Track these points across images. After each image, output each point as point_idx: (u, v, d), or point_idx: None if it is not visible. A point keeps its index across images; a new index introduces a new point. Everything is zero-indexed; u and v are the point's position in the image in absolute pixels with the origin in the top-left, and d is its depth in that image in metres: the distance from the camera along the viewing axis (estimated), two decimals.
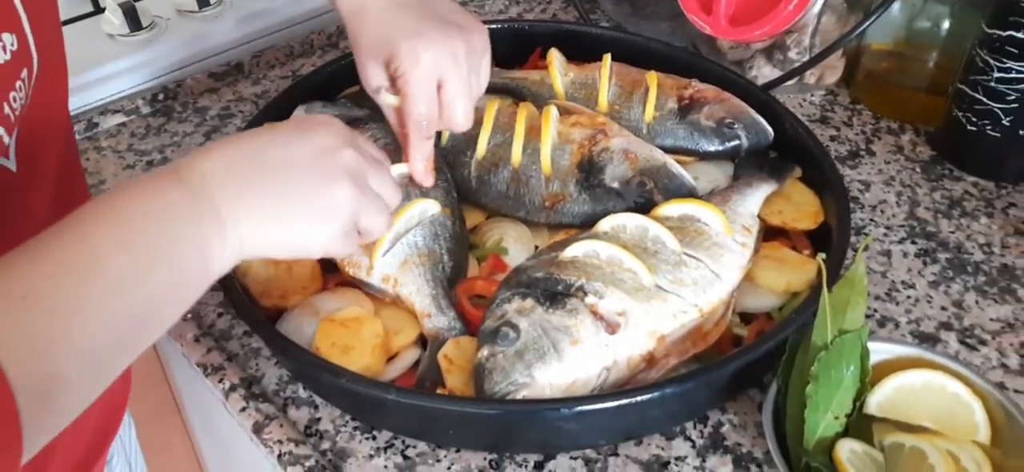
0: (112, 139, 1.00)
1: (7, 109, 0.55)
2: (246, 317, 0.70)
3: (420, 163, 0.75)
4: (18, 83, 0.57)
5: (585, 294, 0.68)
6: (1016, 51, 0.85)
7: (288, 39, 1.15)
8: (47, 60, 0.61)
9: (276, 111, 0.89)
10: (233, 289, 0.72)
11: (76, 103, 1.02)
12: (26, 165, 0.63)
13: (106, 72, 1.05)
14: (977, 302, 0.78)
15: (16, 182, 0.62)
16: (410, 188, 0.77)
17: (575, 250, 0.72)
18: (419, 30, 0.70)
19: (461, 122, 0.73)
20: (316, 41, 1.16)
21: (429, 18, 0.71)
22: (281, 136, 0.58)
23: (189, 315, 0.78)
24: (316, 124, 0.60)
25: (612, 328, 0.67)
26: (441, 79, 0.71)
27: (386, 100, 0.74)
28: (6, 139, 0.57)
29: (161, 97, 1.05)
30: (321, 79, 0.95)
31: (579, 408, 0.63)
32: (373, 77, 0.74)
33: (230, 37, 1.12)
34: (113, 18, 1.08)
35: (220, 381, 0.72)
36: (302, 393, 0.71)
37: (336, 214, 0.58)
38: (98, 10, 1.14)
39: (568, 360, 0.65)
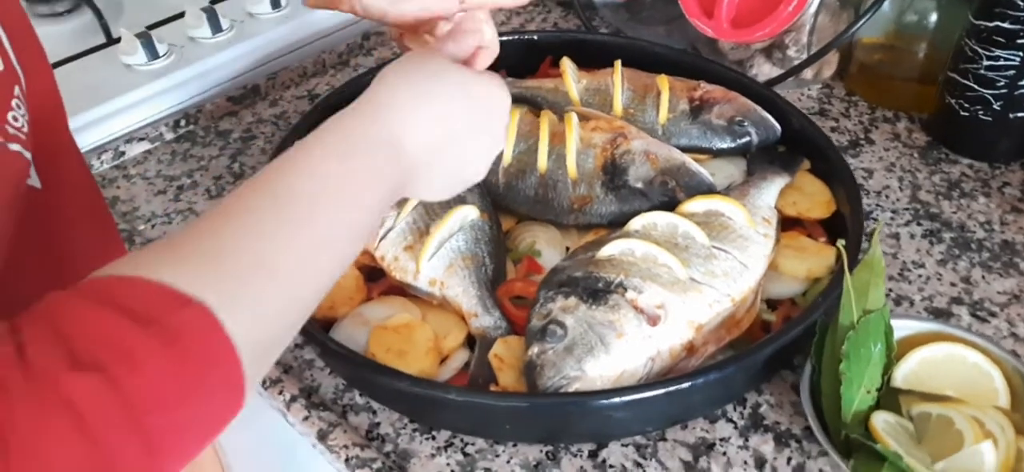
0: (140, 166, 1.03)
1: (11, 129, 0.56)
2: (303, 330, 0.73)
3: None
4: (14, 101, 0.58)
5: (625, 290, 0.73)
6: (1003, 40, 0.90)
7: (300, 59, 1.18)
8: (36, 81, 0.63)
9: (300, 133, 0.92)
10: None
11: (101, 133, 1.04)
12: (51, 183, 0.65)
13: (127, 101, 1.07)
14: (983, 277, 0.84)
15: (45, 200, 0.64)
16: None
17: (611, 249, 0.76)
18: None
19: None
20: (327, 60, 1.19)
21: None
22: (462, 103, 0.60)
23: None
24: (494, 94, 0.63)
25: (653, 320, 0.71)
26: None
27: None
28: (26, 154, 0.58)
29: (183, 123, 1.08)
30: (340, 99, 0.99)
31: (629, 397, 0.67)
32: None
33: (245, 61, 1.15)
34: (129, 48, 1.11)
35: (280, 393, 0.75)
36: (359, 399, 0.75)
37: (495, 137, 0.64)
38: (111, 41, 1.17)
39: (615, 353, 0.69)
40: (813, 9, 1.01)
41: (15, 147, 0.56)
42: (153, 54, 1.11)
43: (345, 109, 0.56)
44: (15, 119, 0.58)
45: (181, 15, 1.19)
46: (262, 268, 0.45)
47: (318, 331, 0.73)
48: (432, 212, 0.81)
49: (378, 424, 0.73)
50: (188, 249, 0.45)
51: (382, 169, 0.54)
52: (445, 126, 0.59)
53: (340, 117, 0.55)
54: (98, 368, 0.37)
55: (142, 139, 1.05)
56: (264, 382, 0.76)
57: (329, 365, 0.77)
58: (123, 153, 1.04)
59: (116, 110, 1.06)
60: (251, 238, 0.46)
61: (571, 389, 0.68)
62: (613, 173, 0.85)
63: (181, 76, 1.11)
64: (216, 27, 1.15)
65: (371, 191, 0.53)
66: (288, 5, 1.21)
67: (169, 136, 1.07)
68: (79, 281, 0.42)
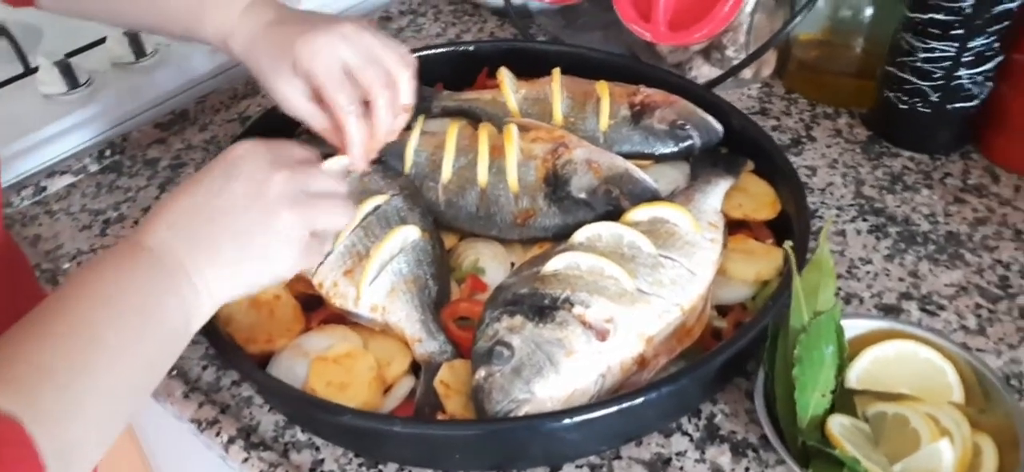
0: (63, 201, 0.98)
1: None
2: (238, 367, 0.70)
3: (357, 149, 0.77)
4: None
5: (572, 305, 0.70)
6: (938, 32, 0.90)
7: (230, 81, 1.14)
8: None
9: None
10: (219, 339, 0.72)
11: (20, 168, 1.00)
12: None
13: (47, 133, 1.02)
14: (930, 270, 0.83)
15: None
16: (390, 215, 0.79)
17: (556, 263, 0.74)
18: (305, 31, 0.74)
19: (383, 95, 0.75)
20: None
21: (311, 20, 0.77)
22: (214, 181, 0.61)
23: (174, 371, 0.77)
24: (238, 158, 0.63)
25: (602, 335, 0.69)
26: (344, 62, 0.74)
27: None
28: None
29: (108, 153, 1.04)
30: (271, 121, 0.95)
31: (581, 417, 0.64)
32: (285, 93, 0.77)
33: (171, 85, 1.11)
34: (48, 77, 1.06)
35: (217, 435, 0.71)
36: (301, 436, 0.72)
37: (287, 240, 0.62)
38: (29, 71, 1.12)
39: (565, 371, 0.67)
40: (749, 8, 1.00)
41: None
42: (73, 83, 1.06)
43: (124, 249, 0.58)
44: None
45: (102, 41, 1.14)
46: (73, 394, 0.49)
47: (254, 368, 0.70)
48: (371, 234, 0.78)
49: (322, 461, 0.70)
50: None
51: (168, 304, 0.57)
52: (188, 202, 0.60)
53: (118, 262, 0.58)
54: None
55: (65, 172, 1.01)
56: (200, 423, 0.72)
57: (268, 402, 0.74)
58: (44, 188, 0.99)
59: (36, 143, 1.01)
60: (60, 371, 0.50)
61: (521, 412, 0.65)
62: (555, 184, 0.83)
63: (104, 104, 1.06)
64: (140, 52, 1.11)
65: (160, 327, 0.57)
66: None
67: (94, 168, 1.02)
68: None
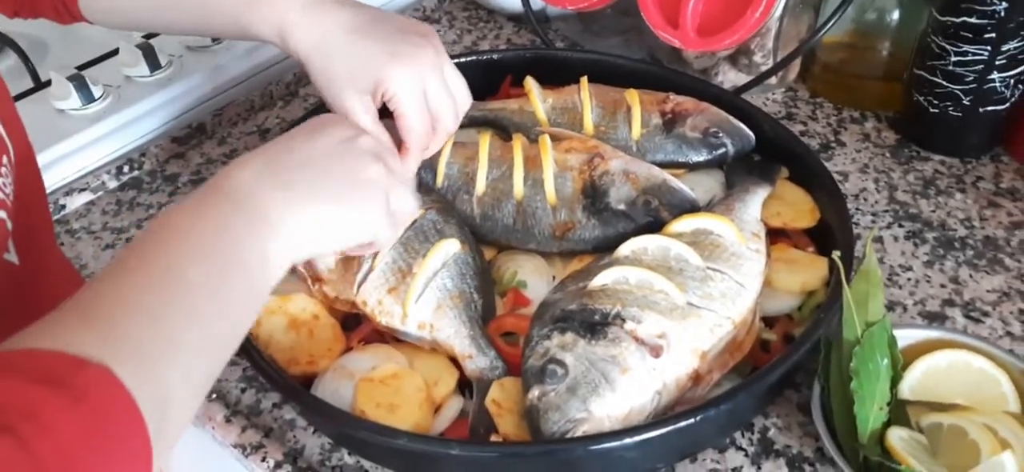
0: (83, 219, 0.96)
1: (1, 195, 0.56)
2: (286, 391, 0.69)
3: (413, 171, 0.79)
4: (3, 168, 0.57)
5: (623, 321, 0.69)
6: (971, 35, 0.90)
7: (247, 93, 1.12)
8: (20, 150, 0.62)
9: None
10: (260, 361, 0.70)
11: None
12: (29, 260, 0.62)
13: (63, 150, 1.00)
14: (971, 276, 0.83)
15: (20, 275, 0.61)
16: (427, 229, 0.78)
17: (604, 278, 0.73)
18: (394, 51, 0.72)
19: (451, 124, 0.77)
20: (275, 92, 1.14)
21: (393, 36, 0.74)
22: (302, 136, 0.62)
23: (214, 394, 0.75)
24: (329, 121, 0.65)
25: (656, 351, 0.68)
26: (425, 91, 0.74)
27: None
28: (8, 223, 0.57)
29: (127, 169, 1.01)
30: None
31: (641, 436, 0.64)
32: (354, 107, 0.73)
33: (187, 99, 1.08)
34: (61, 91, 1.04)
35: (263, 459, 0.70)
36: (349, 459, 0.70)
37: (372, 191, 0.62)
38: (40, 85, 1.09)
39: (621, 390, 0.66)
40: (779, 13, 0.99)
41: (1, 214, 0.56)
42: (88, 97, 1.04)
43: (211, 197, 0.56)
44: (4, 185, 0.57)
45: (115, 53, 1.12)
46: (159, 333, 0.47)
47: (300, 388, 0.68)
48: (411, 249, 0.77)
49: None
50: (81, 316, 0.46)
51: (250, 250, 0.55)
52: (273, 152, 0.60)
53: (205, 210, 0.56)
54: (9, 431, 0.37)
55: (83, 189, 0.98)
56: (245, 448, 0.71)
57: (313, 424, 0.73)
58: (63, 206, 0.97)
59: (52, 160, 0.99)
60: (143, 309, 0.48)
61: (578, 432, 0.64)
62: (593, 196, 0.82)
63: (120, 119, 1.04)
64: (154, 64, 1.09)
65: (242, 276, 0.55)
66: None
67: (112, 184, 1.00)
68: None
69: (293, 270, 0.79)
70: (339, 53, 0.73)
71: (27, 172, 0.66)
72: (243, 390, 0.76)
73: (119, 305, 0.47)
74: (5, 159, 0.58)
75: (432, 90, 0.74)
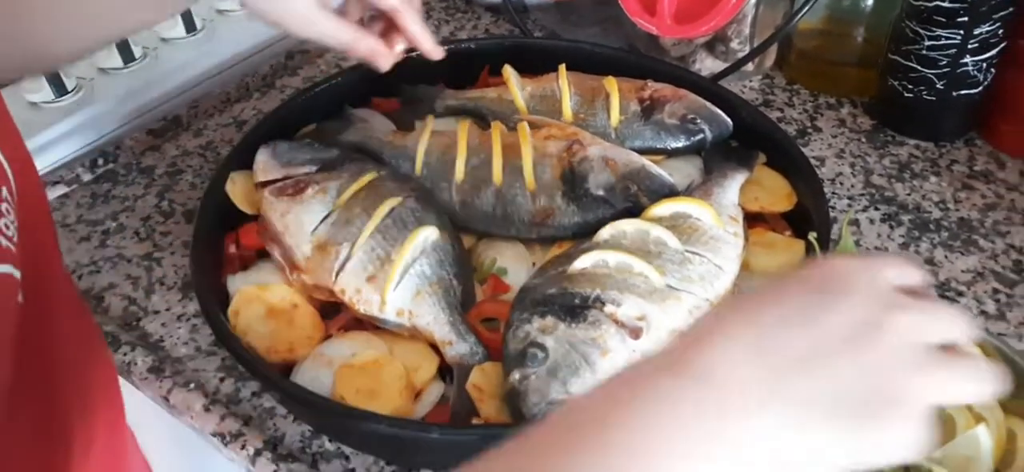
0: (58, 213, 0.95)
1: (3, 240, 0.51)
2: (265, 378, 0.68)
3: (427, 38, 0.85)
4: (4, 206, 0.52)
5: (603, 304, 0.70)
6: (944, 19, 0.91)
7: (222, 85, 1.11)
8: (23, 180, 0.57)
9: (231, 164, 0.87)
10: (239, 349, 0.70)
11: None
12: (35, 295, 0.57)
13: (37, 143, 0.99)
14: (946, 257, 0.84)
15: (27, 313, 0.55)
16: (405, 217, 0.78)
17: (583, 262, 0.73)
18: None
19: None
20: (251, 83, 1.13)
21: None
22: (796, 306, 0.42)
23: (192, 385, 0.75)
24: (833, 279, 0.43)
25: (636, 334, 0.69)
26: None
27: None
28: (16, 274, 0.52)
29: (101, 162, 1.00)
30: (271, 126, 0.93)
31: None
32: (309, 12, 0.76)
33: (162, 90, 1.08)
34: (34, 85, 1.02)
35: (243, 448, 0.69)
36: (329, 445, 0.70)
37: (908, 417, 0.40)
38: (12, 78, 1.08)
39: (601, 371, 0.66)
40: (755, 0, 1.00)
41: (5, 268, 0.50)
42: (61, 90, 1.03)
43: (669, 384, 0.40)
44: (6, 227, 0.51)
45: None
46: None
47: (283, 378, 0.68)
48: (389, 237, 0.77)
49: (353, 470, 0.68)
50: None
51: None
52: (755, 333, 0.41)
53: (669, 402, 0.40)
54: None
55: (57, 182, 0.97)
56: (224, 437, 0.70)
57: (293, 412, 0.72)
58: None
59: None
60: None
61: None
62: (572, 182, 0.82)
63: (94, 111, 1.03)
64: (128, 56, 1.08)
65: None
66: (204, 28, 1.14)
67: (87, 177, 0.99)
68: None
69: (270, 257, 0.80)
70: None
71: (32, 202, 0.59)
72: (222, 379, 0.76)
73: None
74: (5, 191, 0.52)
75: None
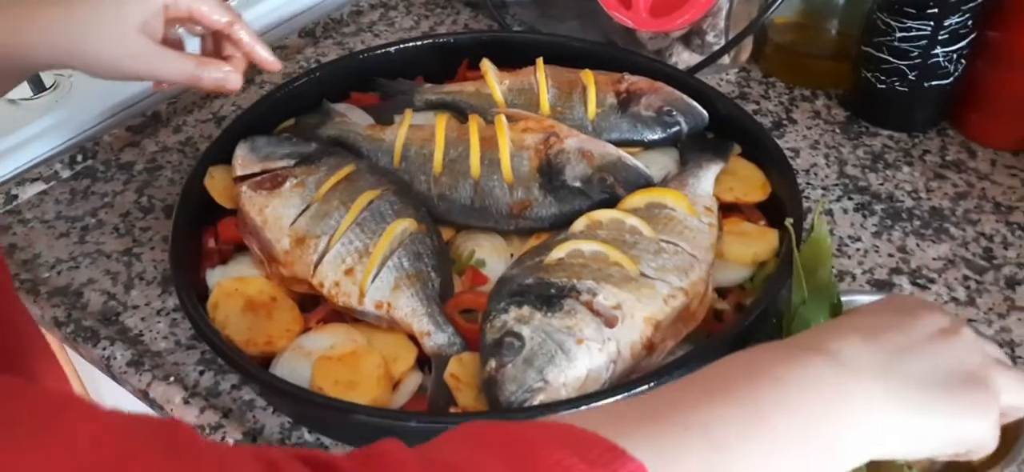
0: (36, 209, 0.95)
1: None
2: (245, 370, 0.69)
3: (264, 50, 0.80)
4: None
5: (579, 293, 0.70)
6: (914, 11, 0.92)
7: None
8: None
9: (210, 159, 0.87)
10: (218, 342, 0.70)
11: None
12: None
13: (14, 140, 0.99)
14: (918, 245, 0.85)
15: None
16: (384, 210, 0.78)
17: (559, 252, 0.74)
18: None
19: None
20: None
21: None
22: (887, 318, 0.53)
23: (172, 378, 0.75)
24: (915, 305, 0.55)
25: (611, 322, 0.69)
26: None
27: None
28: None
29: (80, 158, 1.00)
30: (250, 121, 0.93)
31: (596, 404, 0.65)
32: (141, 51, 0.71)
33: (141, 86, 1.07)
34: None
35: (222, 440, 0.70)
36: (309, 436, 0.70)
37: (985, 399, 0.51)
38: None
39: (577, 358, 0.67)
40: None
41: None
42: (39, 86, 1.03)
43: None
44: None
45: None
46: (715, 461, 0.44)
47: (262, 370, 0.68)
48: (367, 230, 0.77)
49: None
50: (642, 413, 0.45)
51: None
52: (868, 326, 0.52)
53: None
54: None
55: (36, 179, 0.97)
56: (204, 429, 0.71)
57: (272, 404, 0.73)
58: (16, 196, 0.96)
59: (3, 150, 0.98)
60: (707, 434, 0.44)
61: (535, 401, 0.65)
62: (549, 174, 0.83)
63: (72, 108, 1.03)
64: None
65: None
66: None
67: (66, 174, 0.99)
68: None
69: (249, 251, 0.80)
70: (61, 11, 0.69)
71: None
72: (201, 373, 0.76)
73: (680, 417, 0.44)
74: None
75: None
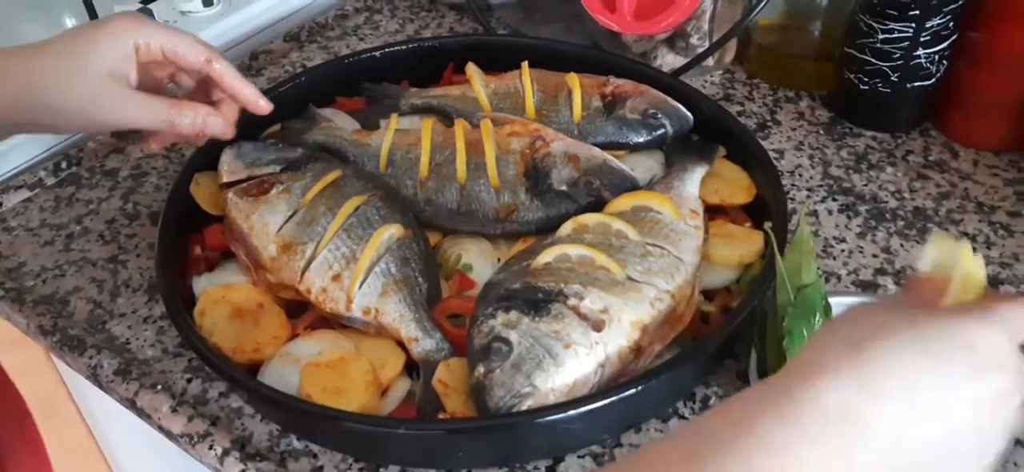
0: (21, 217, 0.94)
1: None
2: (232, 378, 0.68)
3: (250, 90, 0.78)
4: None
5: (566, 298, 0.71)
6: (896, 13, 0.93)
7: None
8: None
9: (195, 167, 0.87)
10: (206, 350, 0.70)
11: None
12: None
13: None
14: (902, 245, 0.86)
15: None
16: (371, 216, 0.78)
17: (545, 257, 0.74)
18: (94, 25, 0.69)
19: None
20: None
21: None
22: (935, 354, 0.43)
23: (159, 386, 0.75)
24: (989, 352, 0.43)
25: (598, 326, 0.70)
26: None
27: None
28: None
29: (64, 165, 1.00)
30: (239, 123, 0.93)
31: (586, 408, 0.65)
32: (122, 99, 0.69)
33: None
34: None
35: (210, 448, 0.70)
36: (297, 444, 0.70)
37: (999, 346, 0.44)
38: None
39: (564, 363, 0.67)
40: None
41: None
42: None
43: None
44: None
45: None
46: None
47: (250, 378, 0.68)
48: (354, 236, 0.77)
49: (321, 468, 0.69)
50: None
51: None
52: (883, 361, 0.42)
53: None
54: None
55: (19, 187, 0.97)
56: (192, 437, 0.71)
57: (260, 411, 0.73)
58: (0, 204, 0.95)
59: None
60: None
61: (524, 406, 0.65)
62: (536, 178, 0.83)
63: None
64: None
65: None
66: None
67: (50, 181, 0.99)
68: None
69: (235, 257, 0.80)
70: (42, 62, 0.67)
71: None
72: (189, 380, 0.76)
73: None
74: None
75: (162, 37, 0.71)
